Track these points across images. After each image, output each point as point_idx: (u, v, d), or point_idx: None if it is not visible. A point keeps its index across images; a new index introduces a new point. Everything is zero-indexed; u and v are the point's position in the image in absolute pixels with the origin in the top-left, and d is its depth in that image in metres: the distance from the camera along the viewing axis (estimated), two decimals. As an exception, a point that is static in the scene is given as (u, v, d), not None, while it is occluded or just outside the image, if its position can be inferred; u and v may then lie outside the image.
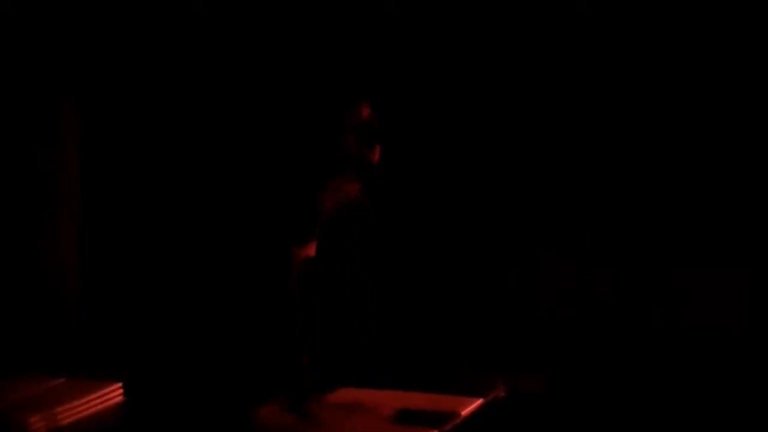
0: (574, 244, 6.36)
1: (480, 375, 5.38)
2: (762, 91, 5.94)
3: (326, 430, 4.65)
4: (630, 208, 6.26)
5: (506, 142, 6.47)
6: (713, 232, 6.10)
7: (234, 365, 5.41)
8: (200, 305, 6.11)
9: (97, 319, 6.23)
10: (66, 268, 6.35)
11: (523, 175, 6.46)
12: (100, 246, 6.43)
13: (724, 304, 6.03)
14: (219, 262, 6.15)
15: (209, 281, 6.17)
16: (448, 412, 4.83)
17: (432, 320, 6.41)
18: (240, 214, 5.98)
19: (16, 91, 6.37)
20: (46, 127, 6.47)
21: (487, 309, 6.38)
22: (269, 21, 6.42)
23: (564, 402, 5.57)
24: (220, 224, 6.26)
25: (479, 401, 5.00)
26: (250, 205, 5.68)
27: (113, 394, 5.01)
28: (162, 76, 6.55)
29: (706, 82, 6.04)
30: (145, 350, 5.87)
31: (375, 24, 6.46)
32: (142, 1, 6.53)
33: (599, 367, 5.96)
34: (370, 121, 4.93)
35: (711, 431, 5.61)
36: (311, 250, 4.88)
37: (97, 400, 4.92)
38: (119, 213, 6.51)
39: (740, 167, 6.03)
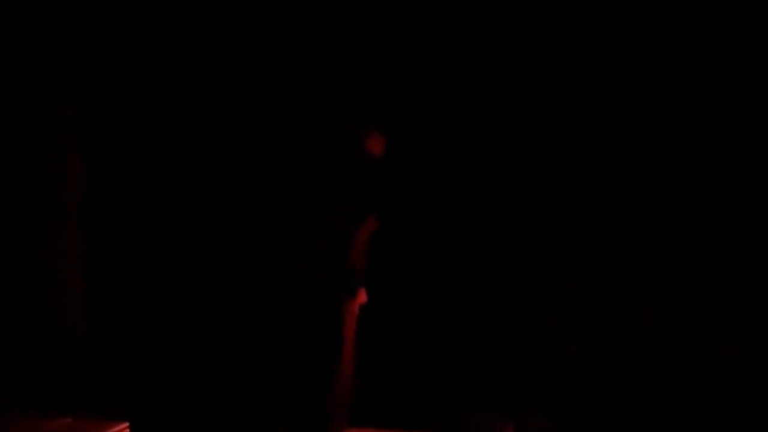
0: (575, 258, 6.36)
1: (487, 415, 5.40)
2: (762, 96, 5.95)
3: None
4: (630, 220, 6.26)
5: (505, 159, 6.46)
6: (715, 239, 6.11)
7: (242, 406, 5.43)
8: (213, 344, 6.11)
9: (101, 353, 6.24)
10: (71, 298, 6.38)
11: (523, 185, 6.45)
12: (104, 269, 6.44)
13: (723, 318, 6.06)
14: (232, 296, 6.16)
15: (223, 319, 6.18)
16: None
17: (436, 351, 6.41)
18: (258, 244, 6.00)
19: (16, 92, 6.35)
20: (46, 128, 6.45)
21: (492, 338, 6.38)
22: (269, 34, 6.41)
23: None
24: (232, 249, 6.26)
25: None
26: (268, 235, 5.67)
27: (120, 434, 5.06)
28: (163, 78, 6.51)
29: (707, 86, 6.03)
30: (152, 388, 5.86)
31: (376, 29, 6.42)
32: (142, 5, 6.48)
33: (606, 403, 5.96)
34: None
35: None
36: (363, 297, 4.93)
37: (104, 440, 4.98)
38: (121, 226, 6.50)
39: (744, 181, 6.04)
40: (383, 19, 6.34)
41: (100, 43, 6.50)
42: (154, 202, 6.49)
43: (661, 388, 5.95)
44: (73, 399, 5.51)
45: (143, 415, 4.97)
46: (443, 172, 6.50)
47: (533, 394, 5.92)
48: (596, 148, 6.28)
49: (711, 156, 6.06)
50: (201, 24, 6.42)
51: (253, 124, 6.38)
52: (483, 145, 6.46)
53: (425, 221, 6.51)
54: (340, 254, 4.81)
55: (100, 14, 6.45)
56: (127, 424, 5.05)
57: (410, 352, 6.34)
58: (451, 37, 6.41)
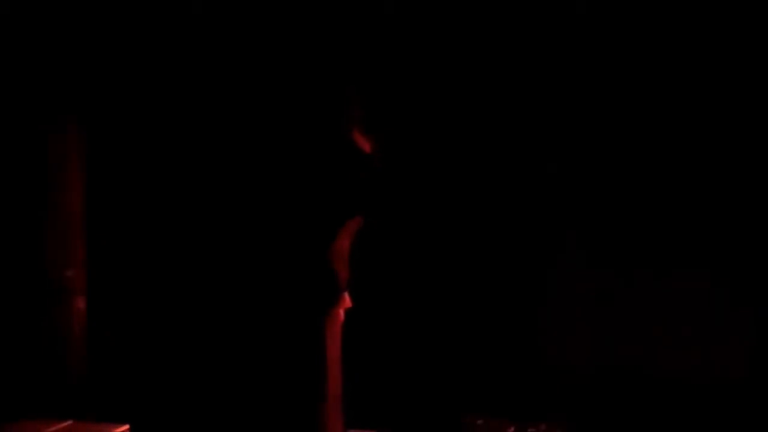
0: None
1: (489, 419, 5.39)
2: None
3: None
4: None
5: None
6: (716, 246, 6.11)
7: (232, 410, 5.42)
8: (213, 351, 6.09)
9: (103, 362, 6.23)
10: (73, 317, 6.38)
11: (522, 186, 6.45)
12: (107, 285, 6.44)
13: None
14: (233, 309, 6.14)
15: (223, 330, 6.16)
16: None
17: (440, 365, 6.39)
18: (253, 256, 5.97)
19: (15, 97, 6.35)
20: (47, 133, 6.45)
21: (494, 354, 6.36)
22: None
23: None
24: (234, 267, 6.23)
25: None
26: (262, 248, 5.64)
27: (121, 436, 5.05)
28: (158, 80, 6.51)
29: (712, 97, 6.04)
30: (153, 392, 5.86)
31: (368, 26, 6.41)
32: (142, 14, 6.48)
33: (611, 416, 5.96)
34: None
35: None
36: (347, 302, 4.93)
37: (105, 443, 4.97)
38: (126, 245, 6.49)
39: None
40: (376, 16, 6.32)
41: (99, 43, 6.50)
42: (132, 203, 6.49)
43: (663, 398, 5.96)
44: (73, 403, 5.53)
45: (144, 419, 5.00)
46: (433, 173, 6.49)
47: (535, 400, 5.93)
48: (594, 150, 6.29)
49: (715, 163, 6.06)
50: (199, 24, 6.42)
51: (229, 125, 6.35)
52: (475, 148, 6.46)
53: (420, 222, 6.49)
54: (319, 255, 4.80)
55: (99, 15, 6.46)
56: (127, 425, 5.04)
57: (410, 354, 6.34)
58: (448, 37, 6.40)
